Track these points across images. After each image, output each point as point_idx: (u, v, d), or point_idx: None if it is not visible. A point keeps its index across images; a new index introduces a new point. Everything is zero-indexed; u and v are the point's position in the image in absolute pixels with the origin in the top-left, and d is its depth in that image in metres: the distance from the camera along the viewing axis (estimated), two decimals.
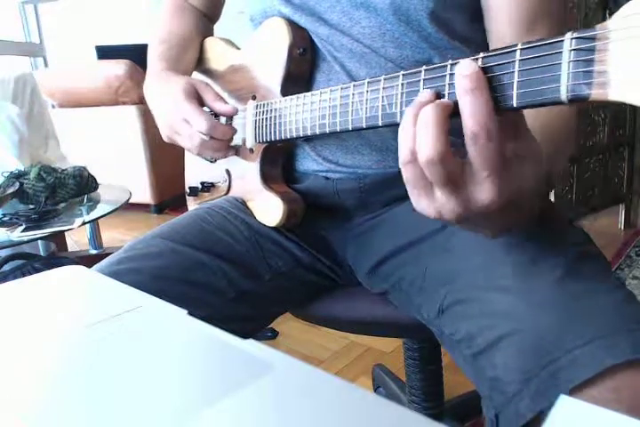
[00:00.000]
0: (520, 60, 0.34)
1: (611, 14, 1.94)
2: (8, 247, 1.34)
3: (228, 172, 0.74)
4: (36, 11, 3.46)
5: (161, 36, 0.77)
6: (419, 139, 0.37)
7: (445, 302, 0.52)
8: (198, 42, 0.80)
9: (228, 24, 1.11)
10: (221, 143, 0.65)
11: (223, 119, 0.72)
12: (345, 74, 0.62)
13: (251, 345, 0.25)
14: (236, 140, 0.69)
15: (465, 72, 0.36)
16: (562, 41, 0.32)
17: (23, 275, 1.37)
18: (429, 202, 0.40)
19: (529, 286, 0.46)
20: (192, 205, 0.83)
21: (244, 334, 0.25)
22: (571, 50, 0.32)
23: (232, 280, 0.60)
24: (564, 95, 0.33)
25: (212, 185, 0.78)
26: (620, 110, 2.03)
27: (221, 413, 0.20)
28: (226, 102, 0.65)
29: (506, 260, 0.50)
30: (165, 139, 0.70)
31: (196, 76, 0.81)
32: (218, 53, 0.78)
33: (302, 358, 0.22)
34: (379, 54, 0.60)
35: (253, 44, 0.70)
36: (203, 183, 0.79)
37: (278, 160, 0.68)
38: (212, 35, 0.85)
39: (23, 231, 1.19)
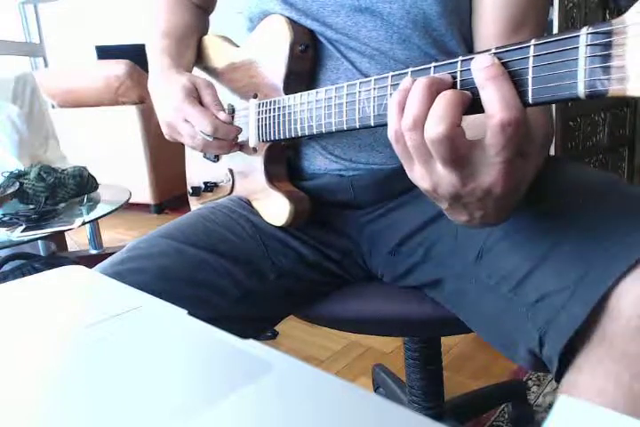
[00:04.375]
0: (534, 55, 0.34)
1: (610, 13, 1.92)
2: (8, 247, 1.34)
3: (231, 171, 0.74)
4: (36, 11, 3.46)
5: (162, 29, 0.76)
6: (433, 112, 0.37)
7: (487, 244, 0.52)
8: (197, 36, 0.80)
9: (227, 24, 1.11)
10: (225, 142, 0.64)
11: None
12: (357, 72, 0.61)
13: (251, 345, 0.25)
14: (240, 138, 0.69)
15: (486, 63, 0.36)
16: (577, 36, 0.32)
17: (23, 275, 1.37)
18: (427, 173, 0.39)
19: (577, 205, 0.47)
20: (195, 205, 0.82)
21: (247, 336, 0.25)
22: (587, 45, 0.32)
23: (236, 280, 0.60)
24: (581, 91, 0.32)
25: (216, 185, 0.77)
26: (620, 110, 2.03)
27: (221, 413, 0.20)
28: (222, 108, 0.64)
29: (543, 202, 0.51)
30: (167, 137, 0.70)
31: (197, 73, 0.80)
32: (216, 51, 0.78)
33: (302, 358, 0.22)
34: (387, 56, 0.60)
35: (253, 42, 0.69)
36: (206, 183, 0.78)
37: (283, 158, 0.68)
38: (208, 27, 0.84)
39: (23, 231, 1.19)
